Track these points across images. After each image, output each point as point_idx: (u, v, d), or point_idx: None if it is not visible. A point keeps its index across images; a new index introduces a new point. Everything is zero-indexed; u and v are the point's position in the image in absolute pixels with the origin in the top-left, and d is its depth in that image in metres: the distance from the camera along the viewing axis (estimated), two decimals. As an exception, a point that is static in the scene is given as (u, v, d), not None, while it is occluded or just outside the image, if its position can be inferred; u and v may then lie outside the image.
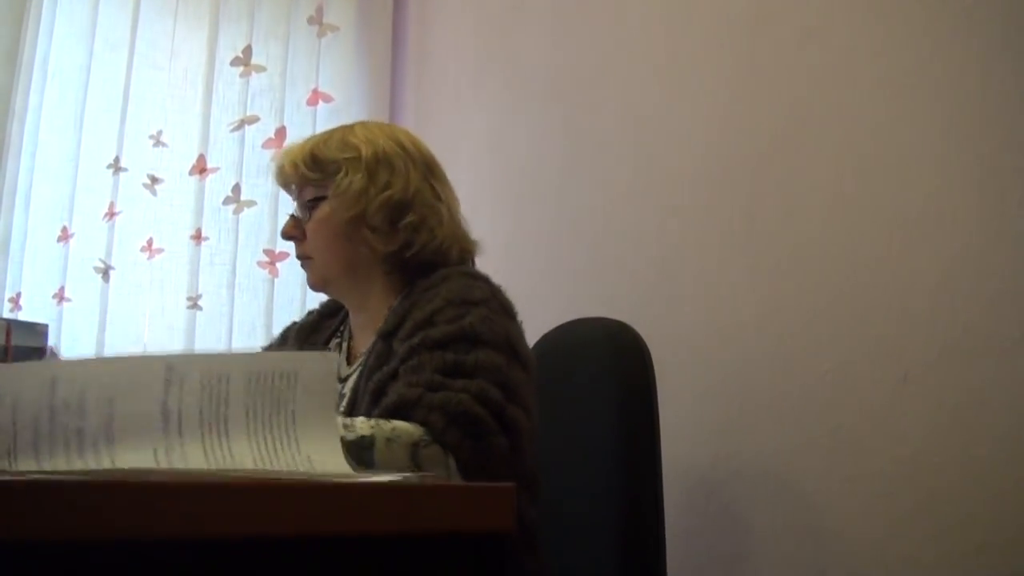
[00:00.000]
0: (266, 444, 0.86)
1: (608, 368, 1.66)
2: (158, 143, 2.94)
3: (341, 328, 1.76)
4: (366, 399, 1.42)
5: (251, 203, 3.00)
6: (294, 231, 1.64)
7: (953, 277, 1.75)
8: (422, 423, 1.31)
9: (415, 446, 1.28)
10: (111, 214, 2.83)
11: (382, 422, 1.29)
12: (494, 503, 0.98)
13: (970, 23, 1.78)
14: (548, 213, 2.62)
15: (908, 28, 1.87)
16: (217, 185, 2.99)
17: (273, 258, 3.00)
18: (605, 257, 2.44)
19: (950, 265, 1.76)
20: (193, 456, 0.81)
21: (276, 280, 3.01)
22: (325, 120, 3.16)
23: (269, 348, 1.91)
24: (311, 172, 1.60)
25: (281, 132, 3.07)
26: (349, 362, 1.67)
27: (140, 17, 2.97)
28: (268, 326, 2.91)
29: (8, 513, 0.65)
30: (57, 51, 2.87)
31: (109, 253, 2.81)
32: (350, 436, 1.24)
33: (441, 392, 1.33)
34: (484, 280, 1.56)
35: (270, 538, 0.82)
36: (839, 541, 1.86)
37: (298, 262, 1.71)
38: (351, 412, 1.43)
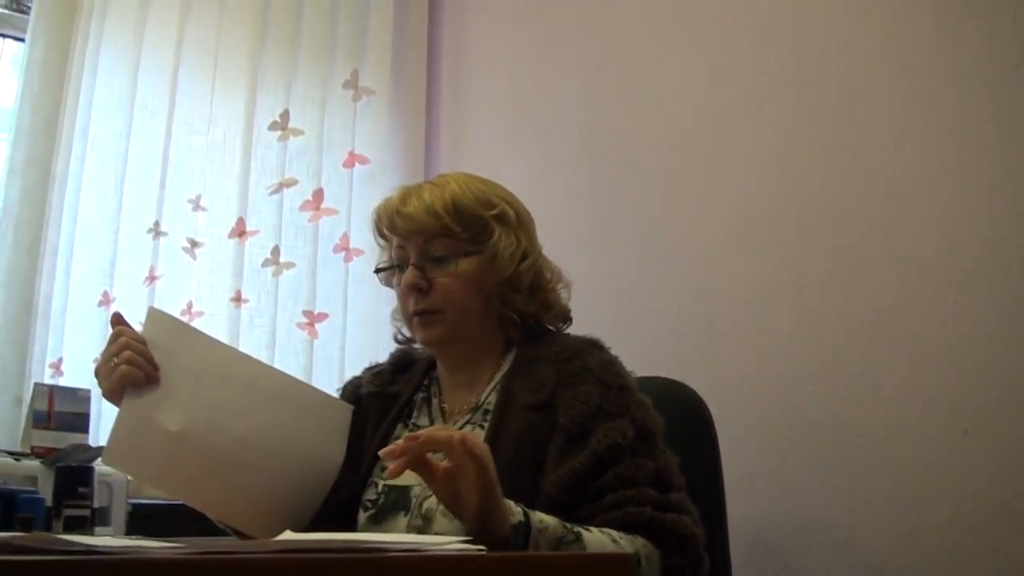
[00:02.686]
0: None
1: (670, 427, 1.64)
2: (197, 207, 2.96)
3: (425, 382, 1.72)
4: (550, 478, 1.42)
5: (290, 265, 3.01)
6: (422, 283, 1.57)
7: (1009, 328, 1.74)
8: (655, 543, 1.38)
9: (661, 568, 1.38)
10: (151, 278, 2.84)
11: (634, 540, 1.37)
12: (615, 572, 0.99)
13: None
14: (586, 273, 2.57)
15: (953, 79, 1.87)
16: (256, 248, 3.00)
17: (312, 319, 3.00)
18: (649, 316, 2.42)
19: (1006, 316, 1.74)
20: None
21: (316, 341, 3.00)
22: (362, 181, 3.19)
23: None
24: (456, 225, 1.56)
25: (319, 194, 3.09)
26: (445, 418, 1.65)
27: (179, 85, 3.00)
28: (309, 388, 2.90)
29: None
30: (97, 119, 2.89)
31: (150, 317, 2.81)
32: (630, 549, 1.34)
33: (668, 513, 1.40)
34: (609, 352, 1.61)
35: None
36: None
37: (398, 319, 1.71)
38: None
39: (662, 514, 1.39)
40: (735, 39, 2.34)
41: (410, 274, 1.58)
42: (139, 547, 0.78)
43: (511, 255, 1.59)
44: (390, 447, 1.24)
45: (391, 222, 1.61)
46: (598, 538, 1.34)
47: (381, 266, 1.69)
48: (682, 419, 1.80)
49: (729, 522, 1.80)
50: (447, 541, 1.08)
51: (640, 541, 1.37)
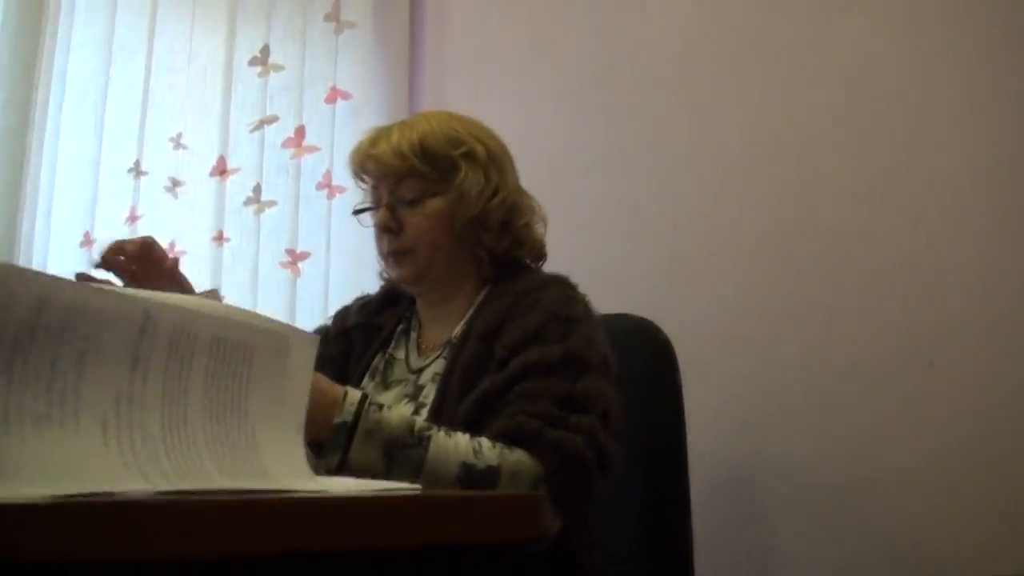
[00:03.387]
0: (222, 433, 0.87)
1: (633, 365, 1.66)
2: (178, 146, 2.95)
3: (408, 315, 1.75)
4: (464, 402, 1.44)
5: (272, 203, 3.00)
6: (393, 223, 1.62)
7: (982, 267, 1.72)
8: (538, 459, 1.36)
9: (535, 483, 1.35)
10: (133, 218, 2.84)
11: (505, 451, 1.35)
12: (521, 513, 0.97)
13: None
14: (568, 211, 2.58)
15: (948, 30, 1.83)
16: (238, 186, 2.98)
17: (295, 257, 3.00)
18: (626, 253, 2.41)
19: (979, 255, 1.73)
20: (151, 418, 0.81)
21: (299, 280, 3.00)
22: (345, 117, 3.16)
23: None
24: (423, 165, 1.59)
25: (300, 131, 3.06)
26: (420, 352, 1.68)
27: (157, 23, 2.97)
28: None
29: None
30: (75, 61, 2.86)
31: (132, 257, 2.81)
32: (480, 465, 1.32)
33: (559, 430, 1.37)
34: (575, 289, 1.60)
35: (290, 556, 0.80)
36: (863, 537, 1.84)
37: (379, 257, 1.74)
38: (440, 406, 1.46)
39: (550, 429, 1.36)
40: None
41: (381, 214, 1.63)
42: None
43: (479, 193, 1.61)
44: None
45: (362, 164, 1.66)
46: (445, 446, 1.33)
47: (358, 207, 1.72)
48: (645, 356, 1.82)
49: (695, 461, 1.81)
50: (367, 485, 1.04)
51: (511, 456, 1.35)
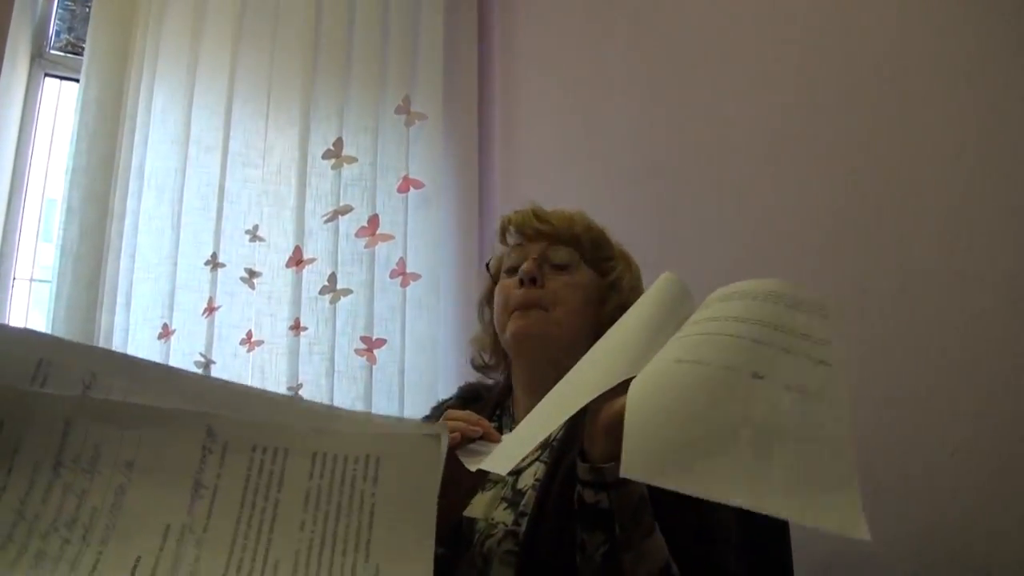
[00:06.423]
0: (322, 549, 0.71)
1: None
2: (254, 238, 2.97)
3: (498, 413, 1.63)
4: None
5: (347, 291, 3.00)
6: (537, 273, 1.51)
7: None
8: None
9: None
10: (210, 309, 2.84)
11: None
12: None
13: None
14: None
15: (1012, 83, 1.78)
16: (313, 275, 2.99)
17: (371, 345, 2.98)
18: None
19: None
20: (216, 546, 0.66)
21: (374, 367, 2.98)
22: (417, 206, 3.17)
23: None
24: (587, 240, 1.58)
25: (374, 220, 3.07)
26: None
27: (232, 119, 3.03)
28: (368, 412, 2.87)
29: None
30: (152, 156, 2.93)
31: (210, 348, 2.81)
32: None
33: None
34: None
35: None
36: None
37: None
38: (538, 519, 1.33)
39: None
40: (788, 47, 2.26)
41: (528, 264, 1.52)
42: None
43: (632, 288, 1.59)
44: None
45: (523, 220, 1.59)
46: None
47: (494, 262, 1.66)
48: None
49: (794, 546, 1.71)
50: None
51: None
